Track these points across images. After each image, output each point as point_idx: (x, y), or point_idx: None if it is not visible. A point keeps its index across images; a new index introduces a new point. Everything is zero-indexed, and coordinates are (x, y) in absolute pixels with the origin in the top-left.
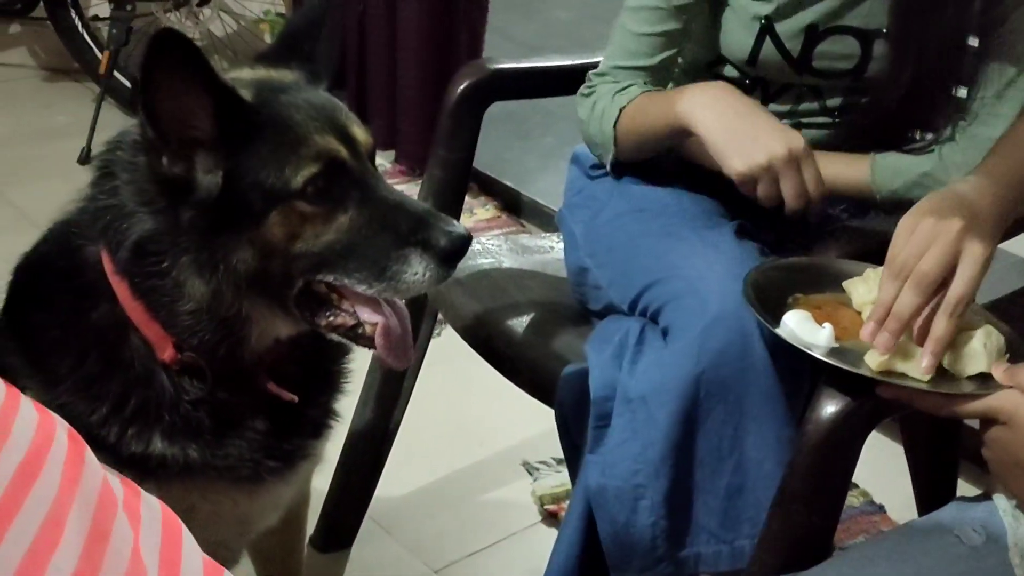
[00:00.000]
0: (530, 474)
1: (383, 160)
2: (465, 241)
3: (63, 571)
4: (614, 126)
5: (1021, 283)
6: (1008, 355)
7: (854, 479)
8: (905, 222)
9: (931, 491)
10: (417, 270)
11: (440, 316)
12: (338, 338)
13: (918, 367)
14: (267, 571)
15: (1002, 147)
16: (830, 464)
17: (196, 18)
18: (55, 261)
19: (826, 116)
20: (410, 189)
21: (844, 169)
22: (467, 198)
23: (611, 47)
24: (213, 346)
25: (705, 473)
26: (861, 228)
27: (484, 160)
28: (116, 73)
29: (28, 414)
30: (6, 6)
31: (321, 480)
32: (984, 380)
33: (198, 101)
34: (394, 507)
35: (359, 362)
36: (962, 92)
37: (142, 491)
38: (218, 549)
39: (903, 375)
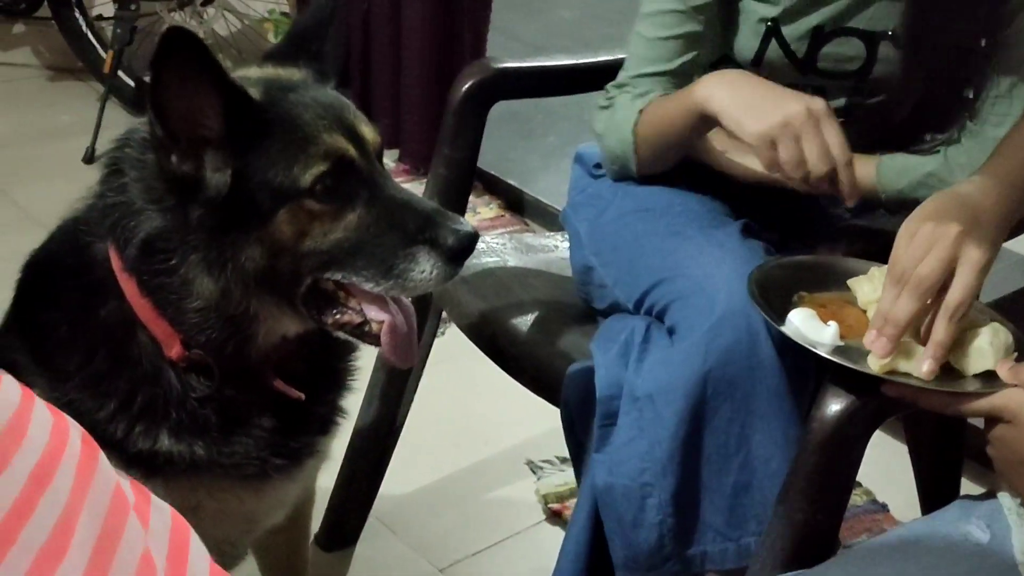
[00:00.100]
0: (534, 473)
1: (387, 159)
2: (473, 239)
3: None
4: (633, 130)
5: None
6: (1016, 353)
7: (857, 478)
8: (906, 227)
9: (935, 490)
10: (425, 268)
11: (445, 314)
12: (345, 336)
13: (920, 369)
14: (272, 569)
15: (1006, 147)
16: (834, 462)
17: (200, 17)
18: (63, 258)
19: None
20: (414, 188)
21: None
22: (471, 197)
23: (628, 59)
24: (221, 344)
25: (712, 471)
26: (866, 227)
27: (488, 159)
28: (120, 72)
29: (42, 416)
30: (10, 6)
31: (325, 478)
32: (989, 378)
33: (207, 100)
34: (398, 505)
35: (364, 360)
36: (968, 93)
37: (152, 496)
38: (223, 546)
39: (907, 374)
